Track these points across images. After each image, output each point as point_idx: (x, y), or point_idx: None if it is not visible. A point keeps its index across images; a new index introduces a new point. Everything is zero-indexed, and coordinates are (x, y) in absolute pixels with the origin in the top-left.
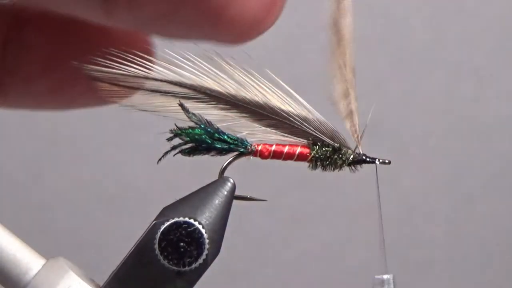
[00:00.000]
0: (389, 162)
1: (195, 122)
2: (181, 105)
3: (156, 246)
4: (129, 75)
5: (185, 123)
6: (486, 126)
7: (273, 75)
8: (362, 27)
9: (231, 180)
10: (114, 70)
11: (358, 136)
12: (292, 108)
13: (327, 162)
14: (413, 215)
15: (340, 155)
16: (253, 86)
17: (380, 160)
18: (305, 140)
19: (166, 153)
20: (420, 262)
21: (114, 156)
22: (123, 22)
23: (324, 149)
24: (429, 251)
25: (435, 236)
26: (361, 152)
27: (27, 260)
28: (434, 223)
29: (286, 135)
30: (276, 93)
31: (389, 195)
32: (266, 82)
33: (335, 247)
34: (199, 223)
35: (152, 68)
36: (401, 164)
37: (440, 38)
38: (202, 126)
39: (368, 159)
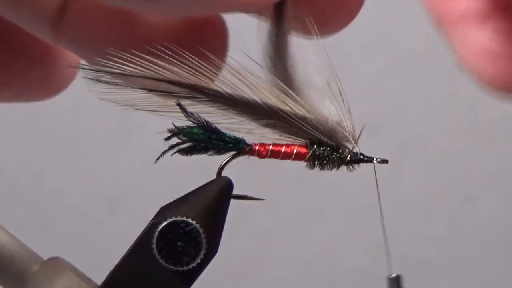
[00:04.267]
0: (387, 161)
1: (193, 122)
2: (179, 104)
3: (154, 245)
4: (127, 75)
5: (183, 122)
6: (486, 126)
7: (271, 74)
8: (363, 27)
9: (229, 179)
10: (112, 71)
11: (354, 135)
12: (290, 108)
13: (325, 162)
14: (413, 215)
15: (338, 155)
16: (251, 85)
17: (378, 159)
18: (303, 139)
19: (164, 152)
20: (420, 262)
21: (114, 156)
22: (70, 44)
23: (321, 148)
24: (429, 251)
25: (435, 236)
26: (359, 152)
27: (26, 259)
28: (434, 223)
29: (284, 134)
30: (275, 92)
31: (389, 195)
32: (264, 81)
33: (335, 246)
34: (197, 223)
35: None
36: (401, 164)
37: (440, 38)
38: (200, 126)
39: (365, 158)
